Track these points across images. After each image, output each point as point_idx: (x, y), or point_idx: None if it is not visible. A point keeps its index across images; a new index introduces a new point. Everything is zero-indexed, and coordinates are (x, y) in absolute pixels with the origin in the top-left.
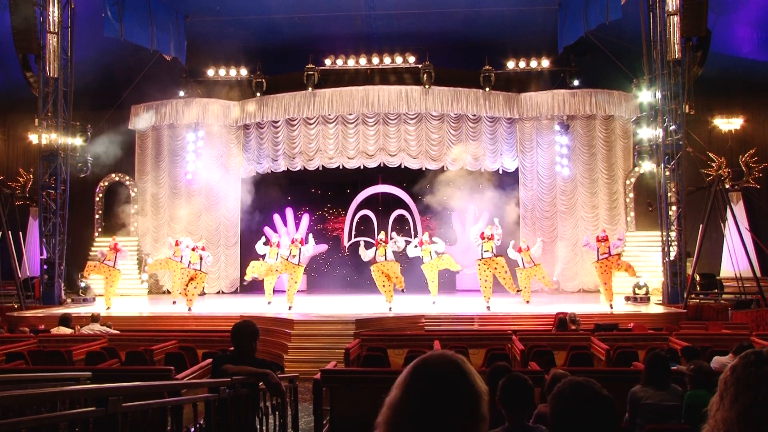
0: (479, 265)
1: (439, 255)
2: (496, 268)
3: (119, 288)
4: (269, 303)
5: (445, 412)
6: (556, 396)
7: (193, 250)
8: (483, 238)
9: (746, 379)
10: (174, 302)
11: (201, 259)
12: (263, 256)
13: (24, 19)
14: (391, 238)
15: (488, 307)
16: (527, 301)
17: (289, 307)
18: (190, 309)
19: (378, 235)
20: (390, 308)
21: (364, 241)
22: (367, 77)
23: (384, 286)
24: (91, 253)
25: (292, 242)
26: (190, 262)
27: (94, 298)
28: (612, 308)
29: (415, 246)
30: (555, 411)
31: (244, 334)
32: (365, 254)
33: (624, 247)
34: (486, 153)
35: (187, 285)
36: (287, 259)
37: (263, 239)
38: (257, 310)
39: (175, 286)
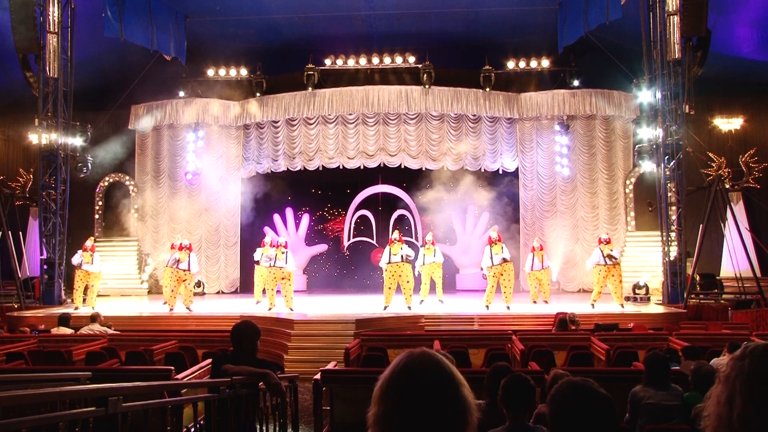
0: (490, 269)
1: (436, 263)
2: (502, 274)
3: (119, 288)
4: (258, 302)
5: (440, 412)
6: (555, 397)
7: (180, 249)
8: (491, 243)
9: (740, 374)
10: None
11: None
12: (257, 262)
13: (24, 19)
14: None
15: (487, 307)
16: (534, 301)
17: (291, 309)
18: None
19: (392, 233)
20: (385, 307)
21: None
22: (367, 77)
23: (390, 288)
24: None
25: (277, 246)
26: (178, 261)
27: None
28: (593, 306)
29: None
30: (554, 412)
31: (245, 334)
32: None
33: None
34: (486, 153)
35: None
36: (274, 266)
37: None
38: (257, 310)
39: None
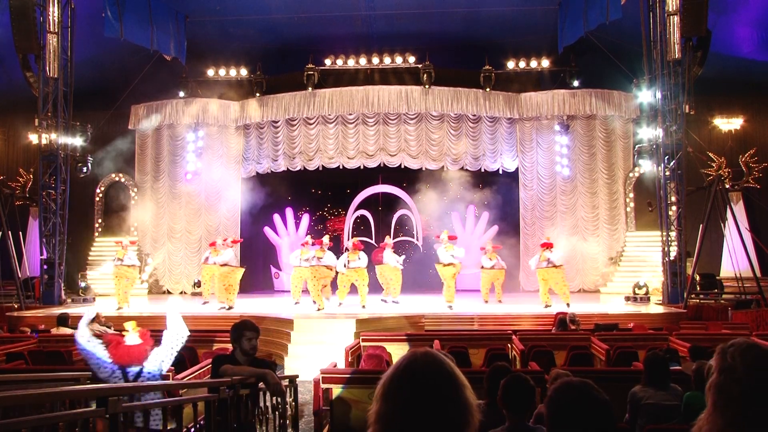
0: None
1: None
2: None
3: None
4: (297, 303)
5: (442, 412)
6: (551, 399)
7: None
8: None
9: (735, 377)
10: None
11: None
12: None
13: (24, 19)
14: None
15: (450, 307)
16: (486, 301)
17: (319, 309)
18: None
19: (349, 240)
20: (339, 304)
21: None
22: (367, 77)
23: (344, 287)
24: (90, 257)
25: (320, 245)
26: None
27: (93, 298)
28: (547, 307)
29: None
30: (550, 414)
31: (244, 333)
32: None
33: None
34: (486, 153)
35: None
36: (318, 265)
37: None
38: (257, 310)
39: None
